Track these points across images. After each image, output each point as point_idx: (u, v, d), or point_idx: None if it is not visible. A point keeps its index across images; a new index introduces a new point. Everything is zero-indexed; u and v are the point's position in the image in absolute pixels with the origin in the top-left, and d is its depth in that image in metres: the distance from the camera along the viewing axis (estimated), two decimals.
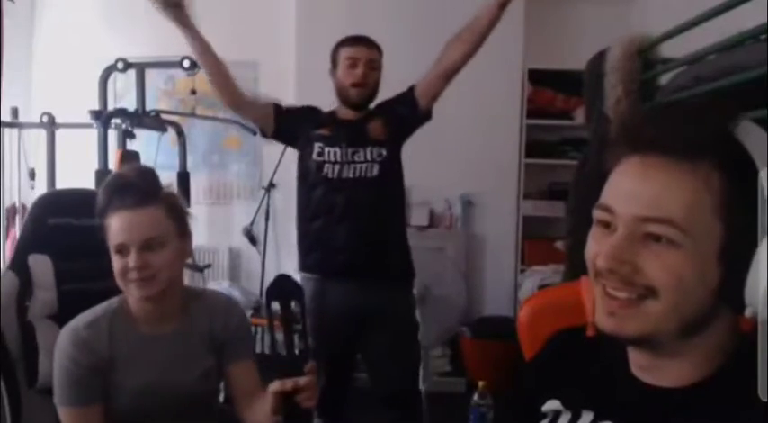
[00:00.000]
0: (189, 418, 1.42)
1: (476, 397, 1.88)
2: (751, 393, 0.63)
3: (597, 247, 0.69)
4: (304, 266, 2.26)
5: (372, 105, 2.30)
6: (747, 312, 0.63)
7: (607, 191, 0.70)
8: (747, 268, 0.62)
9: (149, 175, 1.41)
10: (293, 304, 1.14)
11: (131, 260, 1.32)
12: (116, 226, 1.33)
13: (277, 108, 2.31)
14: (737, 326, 0.68)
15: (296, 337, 1.14)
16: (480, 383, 1.90)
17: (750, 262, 0.62)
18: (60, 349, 1.35)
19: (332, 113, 2.32)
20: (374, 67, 2.24)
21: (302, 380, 1.13)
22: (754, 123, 0.66)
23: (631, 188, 0.67)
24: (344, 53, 2.24)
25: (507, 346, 2.35)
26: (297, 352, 1.14)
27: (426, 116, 2.31)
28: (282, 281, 1.17)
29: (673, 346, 0.69)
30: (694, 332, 0.67)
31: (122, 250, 1.33)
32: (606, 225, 0.69)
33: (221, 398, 1.62)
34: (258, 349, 4.24)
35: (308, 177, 2.23)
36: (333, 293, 2.17)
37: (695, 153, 0.64)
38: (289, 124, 2.30)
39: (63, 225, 1.84)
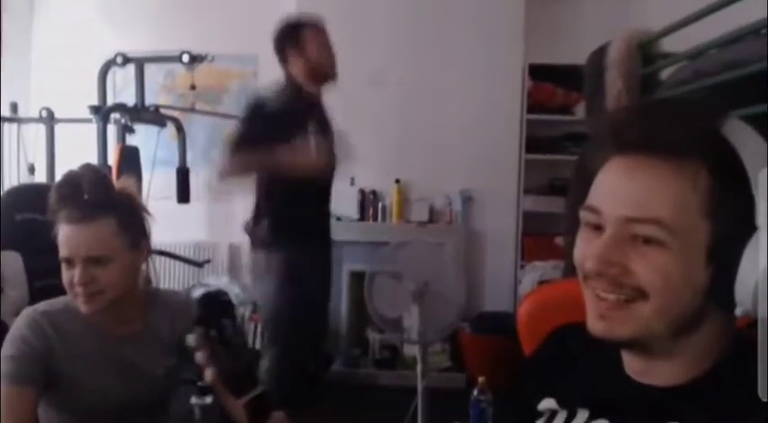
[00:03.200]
0: (148, 419, 1.40)
1: (476, 392, 1.88)
2: (746, 392, 0.62)
3: (586, 250, 0.68)
4: None
5: None
6: (738, 311, 0.63)
7: (594, 191, 0.69)
8: (737, 267, 0.61)
9: (102, 184, 1.31)
10: None
11: (76, 275, 1.25)
12: (62, 237, 1.27)
13: None
14: (729, 325, 0.68)
15: None
16: (480, 379, 1.90)
17: (739, 260, 0.61)
18: (14, 328, 1.30)
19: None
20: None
21: None
22: (741, 121, 0.65)
23: (618, 188, 0.66)
24: None
25: (507, 342, 2.35)
26: None
27: None
28: None
29: (664, 347, 0.68)
30: (685, 333, 0.67)
31: (68, 263, 1.27)
32: (594, 227, 0.68)
33: None
34: (258, 345, 4.24)
35: None
36: None
37: (681, 152, 0.63)
38: None
39: (31, 220, 1.76)
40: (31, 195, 1.86)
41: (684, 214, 0.63)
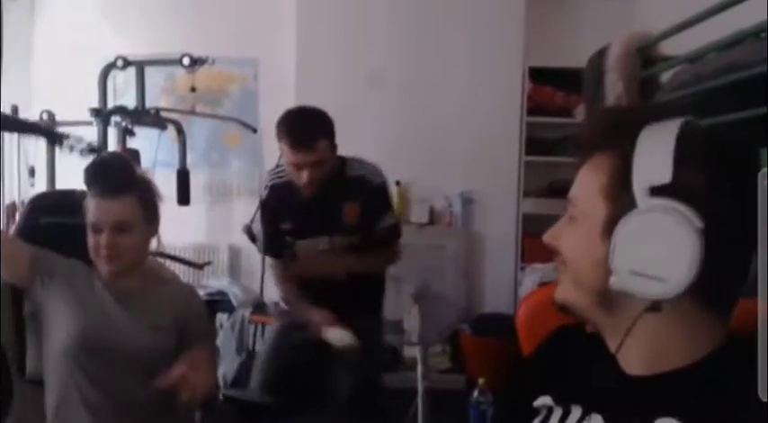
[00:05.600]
0: (135, 379, 1.51)
1: (476, 394, 1.88)
2: (736, 388, 0.64)
3: None
4: None
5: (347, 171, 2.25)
6: (612, 280, 0.69)
7: None
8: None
9: (126, 167, 1.63)
10: None
11: (103, 239, 1.52)
12: (93, 208, 1.53)
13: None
14: (695, 314, 0.69)
15: None
16: (480, 381, 1.90)
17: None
18: None
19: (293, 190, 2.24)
20: (319, 163, 2.10)
21: None
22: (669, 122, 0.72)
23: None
24: (288, 156, 2.12)
25: (507, 344, 2.35)
26: None
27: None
28: None
29: (600, 320, 0.75)
30: (608, 307, 0.73)
31: (96, 229, 1.52)
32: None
33: None
34: (258, 346, 4.24)
35: None
36: None
37: (594, 145, 0.76)
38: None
39: (55, 224, 1.86)
40: (58, 200, 2.00)
41: (587, 193, 0.74)
